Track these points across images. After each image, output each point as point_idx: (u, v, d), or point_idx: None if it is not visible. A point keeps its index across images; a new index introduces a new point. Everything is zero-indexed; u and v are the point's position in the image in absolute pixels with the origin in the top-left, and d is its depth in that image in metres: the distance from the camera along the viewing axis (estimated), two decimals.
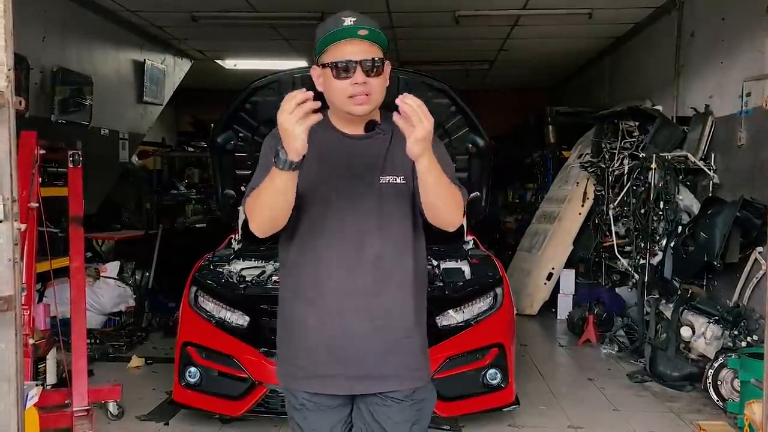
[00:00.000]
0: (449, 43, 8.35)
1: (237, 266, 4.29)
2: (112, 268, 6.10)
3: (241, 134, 4.48)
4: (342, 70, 1.81)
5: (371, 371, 1.91)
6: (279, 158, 1.69)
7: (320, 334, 1.91)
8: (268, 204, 1.79)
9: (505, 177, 9.94)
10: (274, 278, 4.10)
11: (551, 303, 6.92)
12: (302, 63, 9.35)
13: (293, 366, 1.97)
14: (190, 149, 10.28)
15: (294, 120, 1.62)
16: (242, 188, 4.73)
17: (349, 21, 1.80)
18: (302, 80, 4.37)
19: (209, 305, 3.83)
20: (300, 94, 1.63)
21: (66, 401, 3.64)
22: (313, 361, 1.92)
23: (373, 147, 1.93)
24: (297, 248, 1.94)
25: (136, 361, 5.10)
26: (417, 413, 1.98)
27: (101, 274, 5.92)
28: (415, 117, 1.65)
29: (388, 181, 1.90)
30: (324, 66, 1.85)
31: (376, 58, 1.82)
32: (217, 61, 9.53)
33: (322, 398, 1.95)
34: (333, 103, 1.90)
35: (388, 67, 1.89)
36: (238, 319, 3.75)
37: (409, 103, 1.64)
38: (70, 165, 3.89)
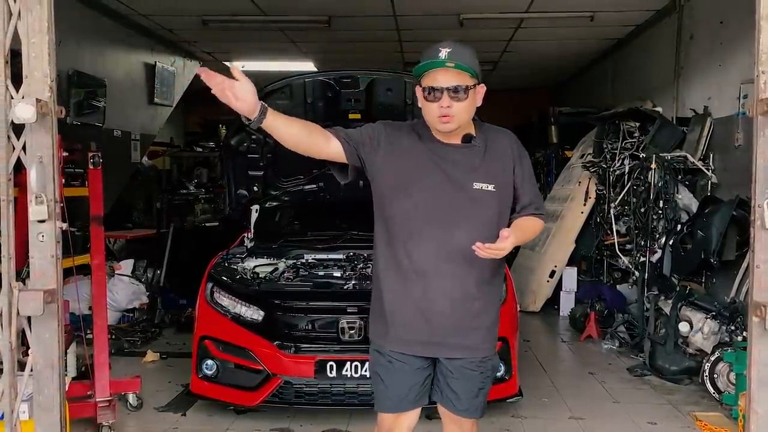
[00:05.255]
0: None
1: (250, 263, 4.45)
2: (127, 265, 6.27)
3: (253, 136, 4.63)
4: (432, 94, 2.16)
5: (442, 339, 2.28)
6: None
7: (410, 306, 2.26)
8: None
9: None
10: (287, 275, 4.27)
11: (554, 300, 7.06)
12: (309, 65, 9.53)
13: (380, 327, 2.35)
14: (199, 149, 10.44)
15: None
16: (254, 188, 4.91)
17: (444, 53, 2.13)
18: (312, 84, 4.53)
19: (225, 300, 3.98)
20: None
21: (88, 392, 3.80)
22: (401, 327, 2.29)
23: (469, 156, 2.27)
24: (396, 225, 2.26)
25: (151, 356, 5.26)
26: (483, 381, 2.37)
27: (116, 272, 6.09)
28: (495, 252, 2.07)
29: (481, 188, 2.24)
30: (422, 88, 2.20)
31: (461, 86, 2.15)
32: (226, 63, 9.68)
33: (407, 358, 2.31)
34: (426, 119, 2.25)
35: (479, 90, 2.23)
36: (253, 313, 3.90)
37: (486, 254, 2.07)
38: (91, 166, 4.04)
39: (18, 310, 1.96)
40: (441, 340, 2.28)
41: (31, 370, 2.07)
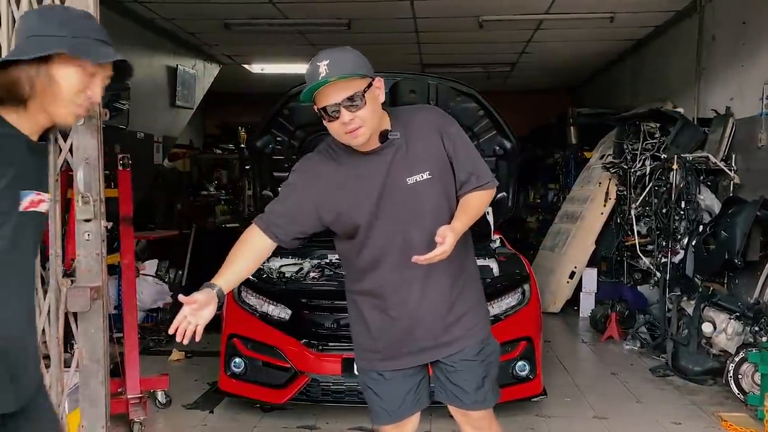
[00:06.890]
0: (472, 47, 8.52)
1: (276, 263, 4.51)
2: (151, 266, 6.35)
3: (278, 138, 4.70)
4: (329, 114, 2.00)
5: (430, 343, 2.21)
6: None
7: (393, 323, 2.20)
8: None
9: (528, 177, 10.08)
10: (312, 274, 4.33)
11: (574, 301, 7.06)
12: None
13: (368, 352, 2.29)
14: (218, 151, 10.55)
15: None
16: (278, 189, 4.97)
17: (323, 68, 1.94)
18: None
19: (252, 299, 4.05)
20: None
21: (119, 389, 3.87)
22: (382, 346, 2.24)
23: (392, 153, 2.11)
24: (356, 257, 2.20)
25: (177, 355, 5.33)
26: (486, 368, 2.27)
27: (140, 272, 6.17)
28: (436, 258, 1.94)
29: (416, 180, 2.10)
30: (318, 110, 2.04)
31: (355, 94, 1.97)
32: (245, 66, 9.77)
33: (396, 371, 2.25)
34: (337, 139, 2.08)
35: (376, 85, 2.04)
36: (281, 312, 3.97)
37: (426, 262, 1.95)
38: (120, 168, 4.12)
39: (66, 307, 2.02)
40: (432, 344, 2.21)
41: (77, 365, 2.13)
